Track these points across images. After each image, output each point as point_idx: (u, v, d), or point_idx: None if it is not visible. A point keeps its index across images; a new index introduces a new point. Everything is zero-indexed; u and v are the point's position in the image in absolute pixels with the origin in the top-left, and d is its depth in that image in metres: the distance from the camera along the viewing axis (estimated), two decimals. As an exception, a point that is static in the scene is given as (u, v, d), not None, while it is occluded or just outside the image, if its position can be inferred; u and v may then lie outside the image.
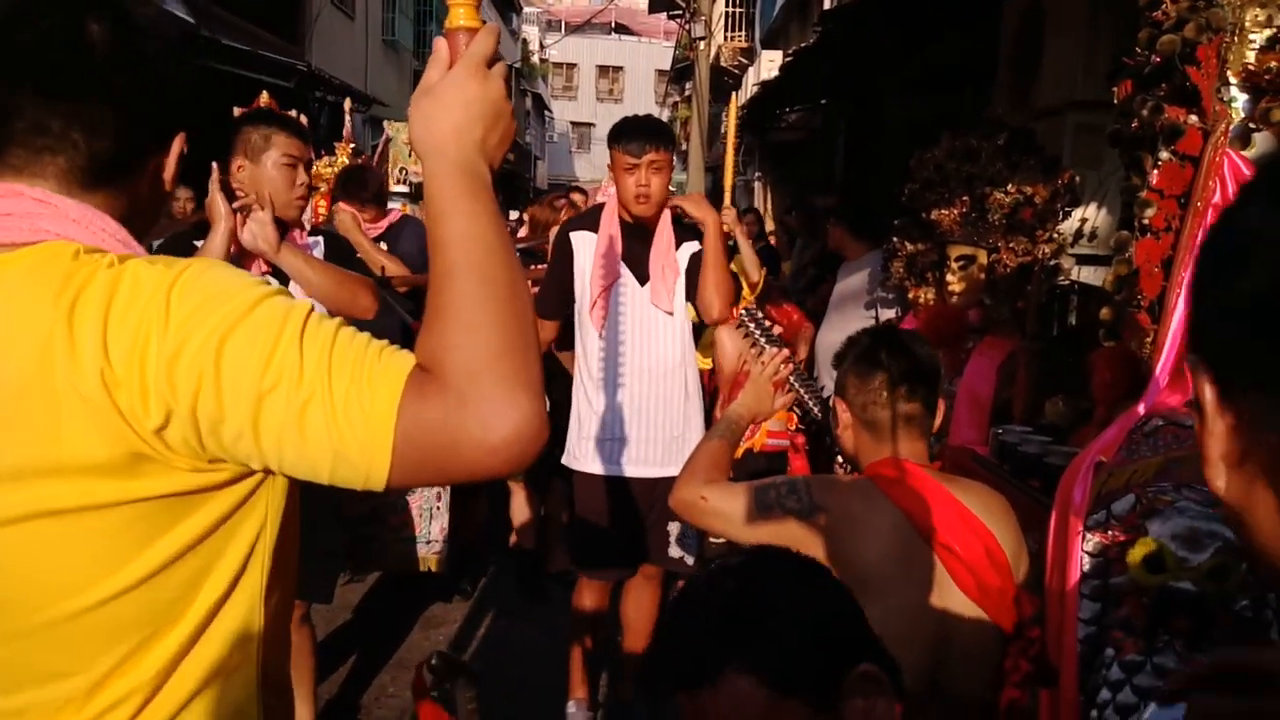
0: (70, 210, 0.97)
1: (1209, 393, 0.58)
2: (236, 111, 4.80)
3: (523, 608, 4.45)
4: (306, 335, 0.89)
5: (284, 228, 2.67)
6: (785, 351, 2.14)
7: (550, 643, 4.12)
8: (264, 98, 5.02)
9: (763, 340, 2.22)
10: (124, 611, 0.93)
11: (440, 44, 1.01)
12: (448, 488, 3.86)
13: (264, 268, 2.71)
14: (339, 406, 0.86)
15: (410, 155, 5.80)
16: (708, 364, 5.28)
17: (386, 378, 0.88)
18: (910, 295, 3.58)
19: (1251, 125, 1.75)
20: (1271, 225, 0.53)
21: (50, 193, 0.97)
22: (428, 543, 3.85)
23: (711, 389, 4.55)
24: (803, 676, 0.97)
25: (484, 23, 1.01)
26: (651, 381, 3.15)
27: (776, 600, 1.01)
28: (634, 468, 3.14)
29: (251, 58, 10.57)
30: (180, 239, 2.78)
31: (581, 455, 3.18)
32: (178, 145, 1.08)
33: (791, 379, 2.21)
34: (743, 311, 2.28)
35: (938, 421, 1.88)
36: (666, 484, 3.07)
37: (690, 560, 3.26)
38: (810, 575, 1.06)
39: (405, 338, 4.16)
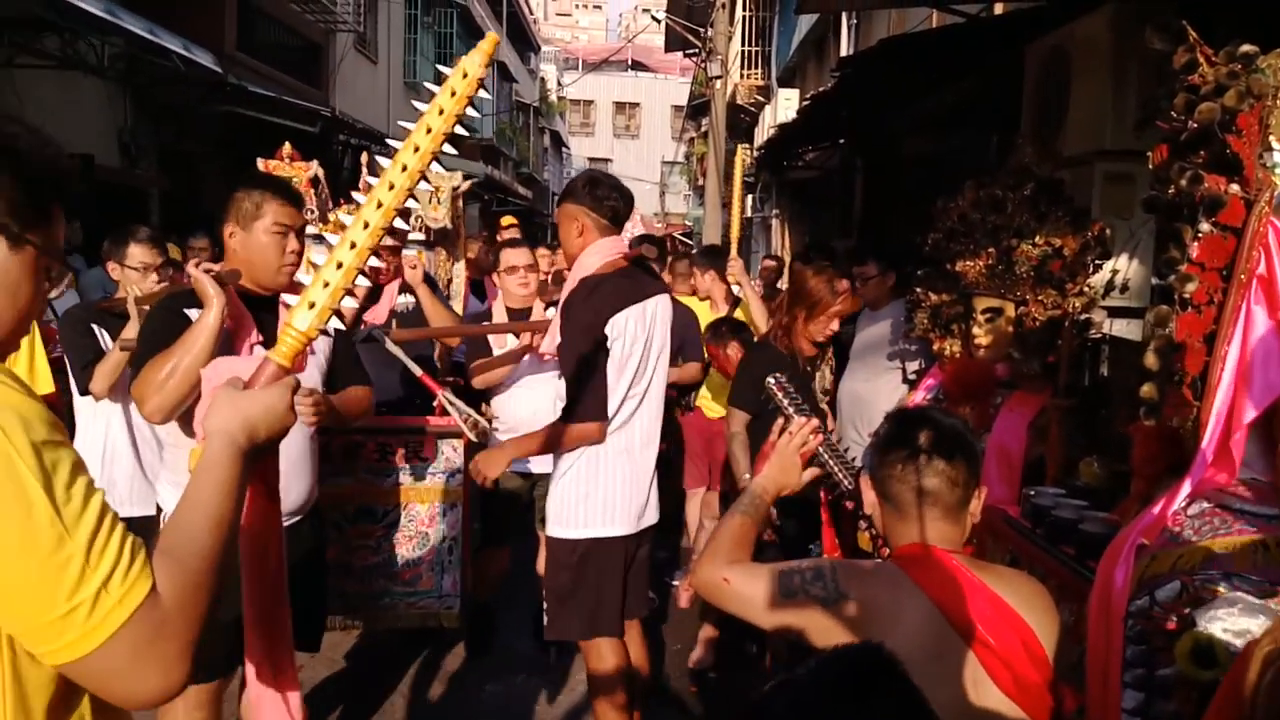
0: None
1: None
2: (261, 164, 4.84)
3: (541, 661, 4.37)
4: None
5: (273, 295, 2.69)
6: (814, 421, 2.06)
7: (571, 698, 4.06)
8: (286, 149, 5.04)
9: (790, 409, 2.14)
10: None
11: (263, 364, 1.38)
12: (459, 541, 3.81)
13: (254, 342, 2.69)
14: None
15: (430, 202, 5.78)
16: (716, 413, 5.23)
17: (130, 591, 1.05)
18: (935, 347, 3.51)
19: (1296, 192, 1.69)
20: None
21: None
22: (440, 597, 3.81)
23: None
24: None
25: (292, 367, 1.40)
26: (652, 442, 3.22)
27: None
28: (630, 524, 3.13)
29: (277, 104, 10.70)
30: (176, 300, 2.76)
31: (602, 521, 3.10)
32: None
33: (820, 450, 2.13)
34: (770, 380, 2.21)
35: (976, 506, 1.77)
36: (647, 534, 3.20)
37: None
38: (867, 697, 0.99)
39: (407, 387, 4.13)
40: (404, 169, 1.36)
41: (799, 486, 2.01)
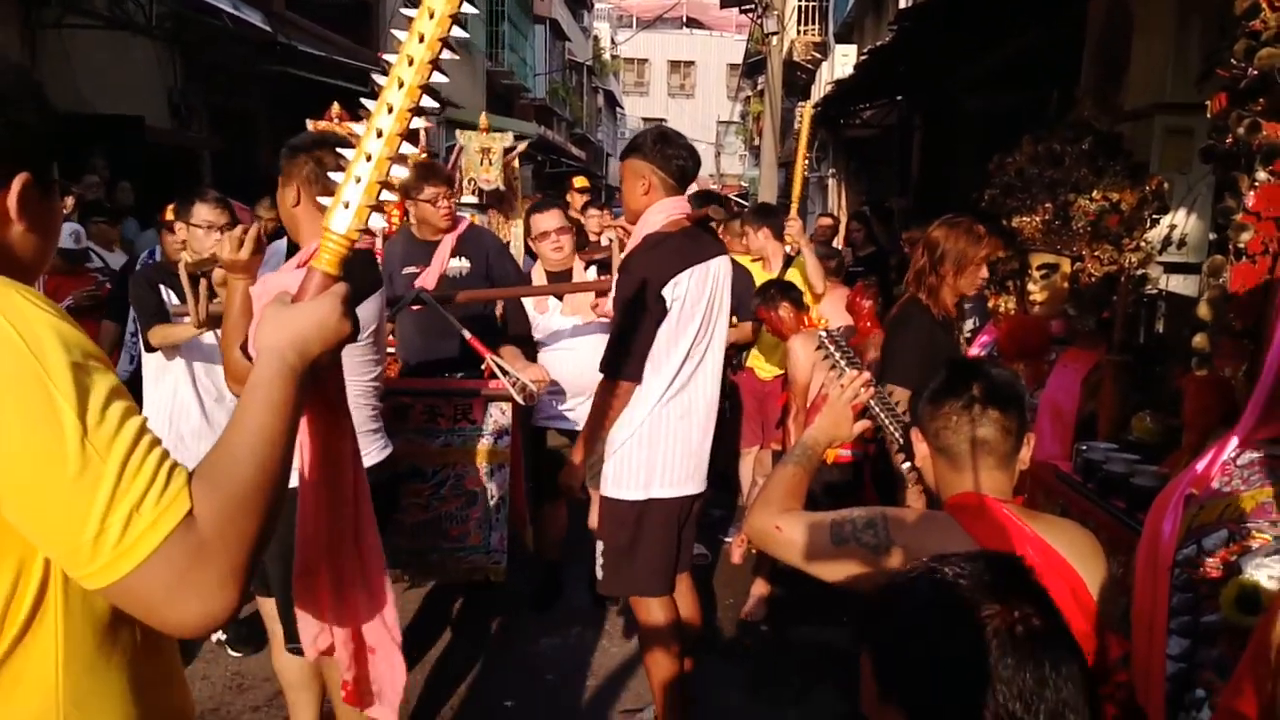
0: None
1: None
2: (310, 124, 4.90)
3: (596, 616, 4.46)
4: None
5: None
6: (866, 374, 2.09)
7: (626, 654, 4.14)
8: (335, 109, 5.11)
9: (842, 362, 2.16)
10: None
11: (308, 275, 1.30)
12: (507, 500, 3.88)
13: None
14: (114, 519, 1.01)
15: (481, 164, 5.83)
16: (769, 373, 5.24)
17: (165, 514, 1.03)
18: (990, 304, 3.50)
19: (1356, 140, 1.67)
20: None
21: None
22: (487, 552, 3.89)
23: (785, 400, 4.51)
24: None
25: (342, 276, 1.32)
26: (713, 405, 3.22)
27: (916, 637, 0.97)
28: (687, 487, 3.18)
29: (326, 63, 10.74)
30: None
31: (663, 482, 3.13)
32: (18, 184, 1.15)
33: (871, 403, 2.15)
34: (821, 333, 2.23)
35: (1025, 454, 1.79)
36: (700, 494, 3.23)
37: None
38: (1006, 593, 1.00)
39: (463, 352, 4.19)
40: (421, 39, 1.26)
41: (851, 438, 2.05)
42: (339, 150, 1.38)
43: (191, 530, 1.03)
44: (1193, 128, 3.55)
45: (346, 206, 1.29)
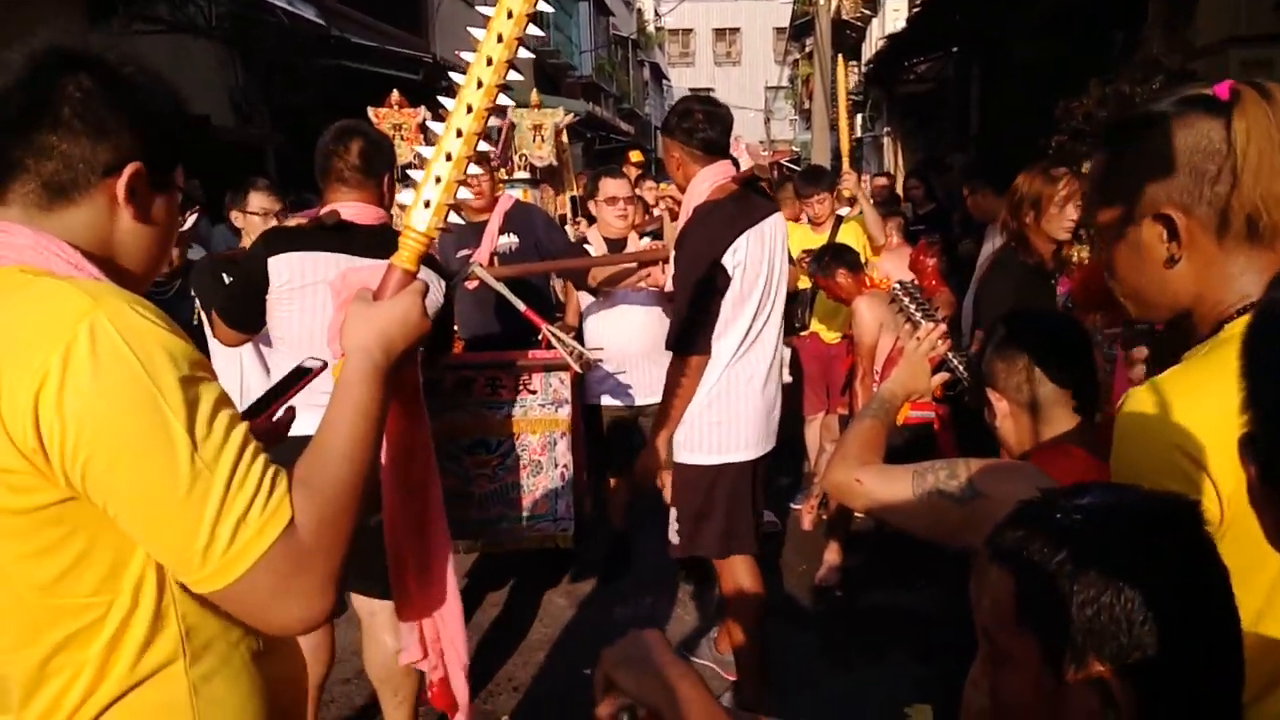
0: (25, 236, 1.13)
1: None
2: (371, 112, 4.94)
3: (667, 584, 4.46)
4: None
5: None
6: (942, 327, 2.04)
7: (698, 621, 4.14)
8: (395, 96, 5.14)
9: (918, 315, 2.12)
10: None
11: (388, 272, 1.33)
12: (571, 467, 3.90)
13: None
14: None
15: (534, 140, 5.83)
16: (833, 337, 5.17)
17: (269, 523, 1.08)
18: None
19: None
20: None
21: (12, 222, 1.14)
22: (555, 520, 3.91)
23: (850, 364, 4.45)
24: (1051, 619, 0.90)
25: (419, 269, 1.35)
26: (777, 362, 3.23)
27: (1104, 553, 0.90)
28: (757, 448, 3.18)
29: (379, 53, 10.84)
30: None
31: (736, 445, 3.13)
32: (129, 170, 1.17)
33: (950, 356, 2.10)
34: (896, 284, 2.19)
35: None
36: (768, 455, 3.23)
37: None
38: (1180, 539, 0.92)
39: (505, 324, 4.19)
40: (500, 38, 1.28)
41: (928, 391, 2.01)
42: (418, 150, 1.40)
43: (293, 538, 1.08)
44: (1271, 59, 3.40)
45: (427, 205, 1.32)
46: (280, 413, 1.60)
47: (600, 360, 3.85)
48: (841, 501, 1.84)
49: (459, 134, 1.30)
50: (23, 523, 1.06)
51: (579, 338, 4.17)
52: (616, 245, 4.27)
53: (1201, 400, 1.15)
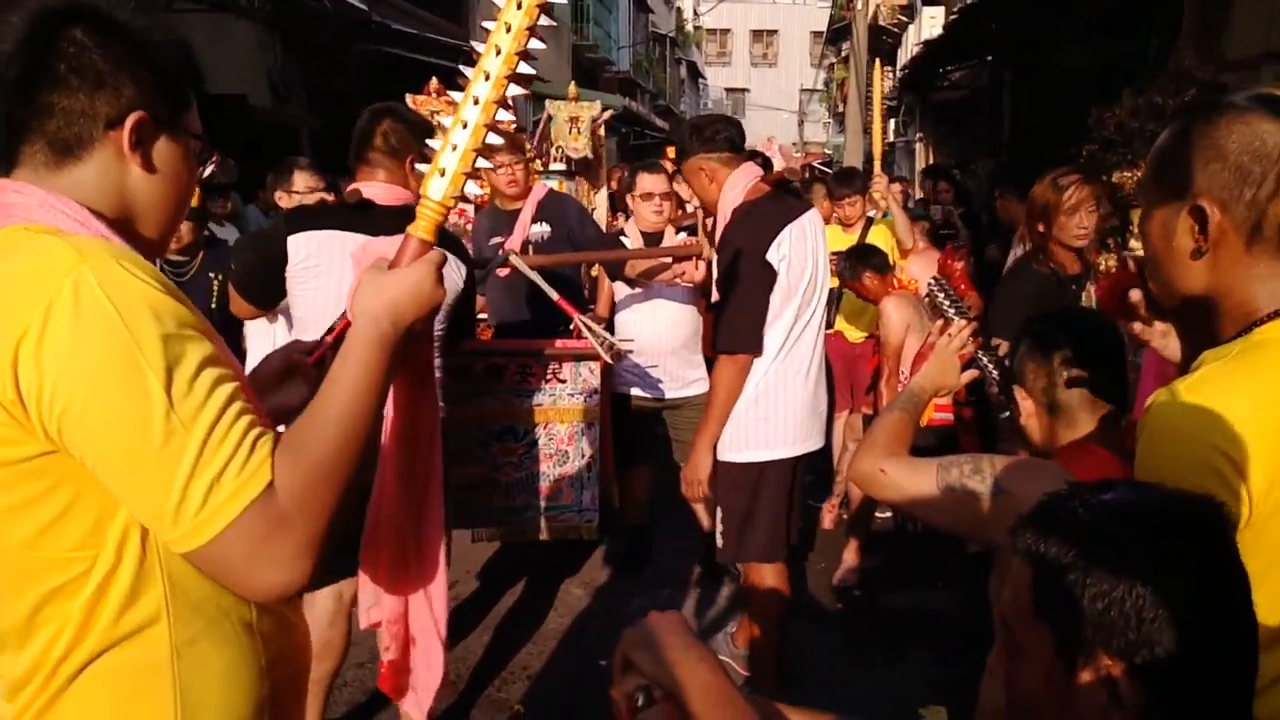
0: (35, 195, 1.12)
1: None
2: (409, 99, 5.00)
3: (686, 578, 4.50)
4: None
5: None
6: (974, 324, 2.07)
7: (717, 615, 4.18)
8: (434, 84, 5.20)
9: (951, 311, 2.14)
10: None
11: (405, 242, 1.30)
12: (598, 459, 3.93)
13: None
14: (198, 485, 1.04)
15: (570, 132, 5.87)
16: (858, 336, 5.19)
17: (245, 486, 1.05)
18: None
19: None
20: None
21: (24, 182, 1.14)
22: (579, 511, 3.93)
23: (875, 364, 4.47)
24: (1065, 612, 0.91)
25: (436, 241, 1.32)
26: (821, 357, 3.24)
27: (1117, 551, 0.91)
28: (802, 444, 3.17)
29: (420, 41, 10.90)
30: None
31: (783, 441, 3.13)
32: (131, 120, 1.16)
33: (979, 354, 2.13)
34: (931, 280, 2.22)
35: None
36: (808, 455, 3.22)
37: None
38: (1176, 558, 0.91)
39: (535, 314, 4.22)
40: (519, 5, 1.26)
41: (956, 387, 2.03)
42: (438, 118, 1.38)
43: (271, 502, 1.06)
44: (1305, 74, 3.39)
45: (443, 174, 1.29)
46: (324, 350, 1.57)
47: (630, 351, 3.89)
48: (866, 491, 1.87)
49: (476, 102, 1.28)
50: (5, 475, 1.05)
51: (610, 328, 4.21)
52: (653, 239, 4.31)
53: (1238, 401, 1.15)
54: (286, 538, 1.06)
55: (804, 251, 3.05)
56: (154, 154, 1.20)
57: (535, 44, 1.28)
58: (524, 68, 1.30)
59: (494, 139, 1.32)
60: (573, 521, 3.94)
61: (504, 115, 1.32)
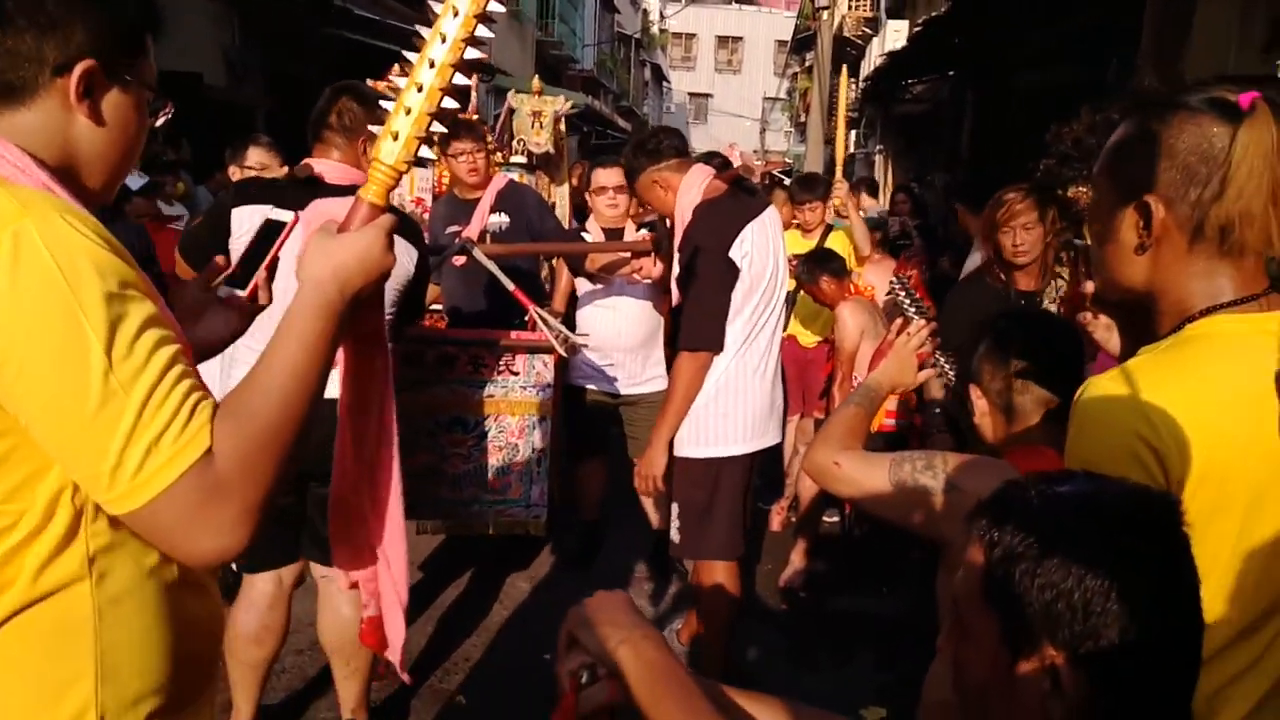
0: None
1: None
2: (370, 83, 4.93)
3: (635, 577, 4.49)
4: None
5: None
6: (933, 325, 2.08)
7: (662, 612, 4.17)
8: (395, 70, 5.13)
9: (911, 310, 2.16)
10: None
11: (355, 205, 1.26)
12: (548, 452, 3.90)
13: None
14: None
15: (533, 126, 5.83)
16: (811, 341, 5.22)
17: (182, 451, 1.03)
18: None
19: None
20: None
21: None
22: (527, 506, 3.90)
23: (829, 369, 4.50)
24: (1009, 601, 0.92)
25: (389, 206, 1.28)
26: (777, 355, 3.26)
27: (1071, 540, 0.90)
28: (759, 440, 3.19)
29: (382, 27, 10.78)
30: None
31: (740, 437, 3.13)
32: (80, 68, 1.11)
33: (937, 355, 2.14)
34: (893, 280, 2.24)
35: None
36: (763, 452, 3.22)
37: None
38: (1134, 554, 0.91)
39: (492, 304, 4.20)
40: None
41: (913, 385, 2.03)
42: (391, 79, 1.34)
43: (208, 468, 1.04)
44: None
45: (395, 138, 1.26)
46: (260, 275, 1.53)
47: (586, 345, 3.87)
48: (819, 483, 1.88)
49: (431, 65, 1.24)
50: None
51: (569, 323, 4.20)
52: (614, 236, 4.30)
53: (1164, 392, 1.17)
54: (225, 504, 1.04)
55: (765, 249, 3.06)
56: (103, 105, 1.16)
57: (495, 6, 1.25)
58: (483, 31, 1.26)
59: (449, 104, 1.27)
60: (520, 517, 3.90)
61: (462, 80, 1.29)
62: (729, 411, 3.08)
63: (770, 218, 3.15)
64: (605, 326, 4.18)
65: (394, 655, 2.05)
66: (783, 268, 3.19)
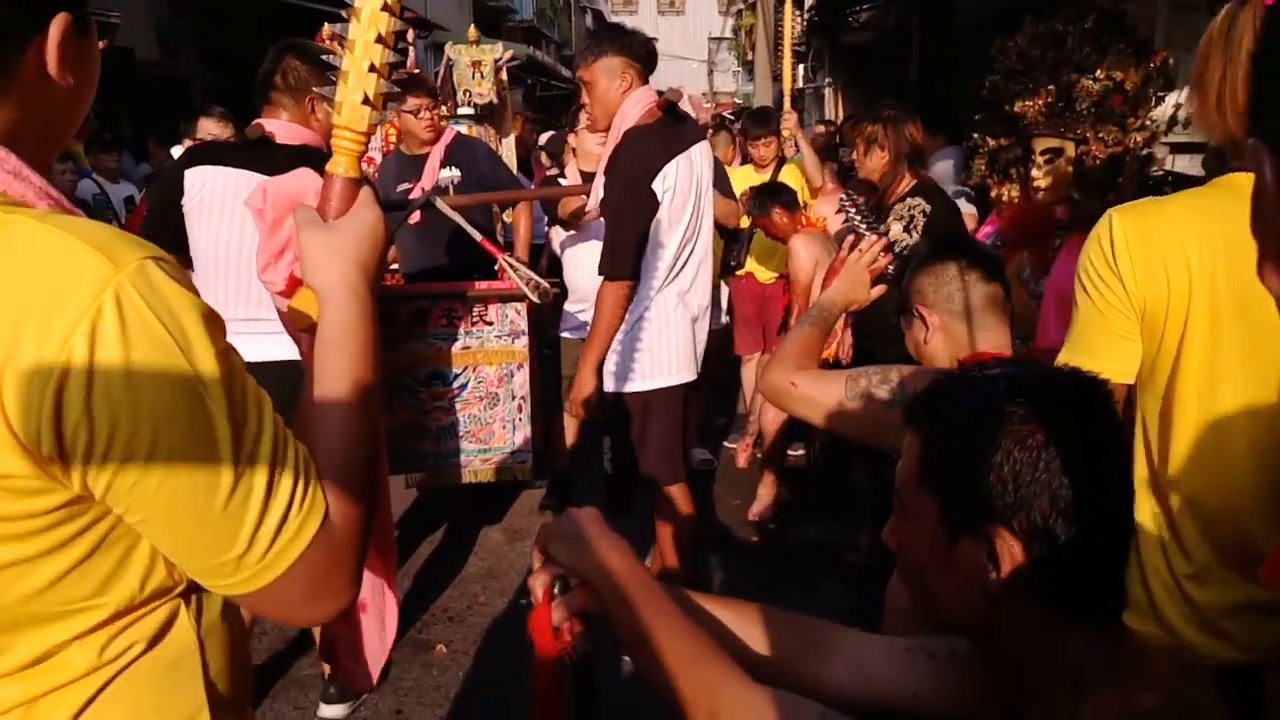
0: None
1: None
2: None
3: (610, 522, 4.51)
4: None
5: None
6: (885, 240, 2.07)
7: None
8: (326, 30, 5.01)
9: (862, 226, 2.15)
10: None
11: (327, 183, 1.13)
12: (529, 400, 3.90)
13: None
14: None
15: (474, 77, 5.75)
16: (769, 277, 5.21)
17: (307, 520, 0.92)
18: (993, 194, 3.45)
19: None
20: None
21: None
22: (513, 452, 3.91)
23: (785, 303, 4.50)
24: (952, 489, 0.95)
25: (363, 175, 1.15)
26: (706, 289, 3.29)
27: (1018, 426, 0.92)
28: (688, 371, 3.23)
29: (310, -10, 10.52)
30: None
31: (665, 370, 3.16)
32: (57, 27, 0.90)
33: (889, 269, 2.14)
34: (843, 197, 2.23)
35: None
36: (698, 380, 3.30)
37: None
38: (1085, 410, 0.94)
39: (455, 259, 4.17)
40: None
41: (866, 301, 2.03)
42: (336, 30, 1.22)
43: (331, 533, 0.93)
44: (1199, 2, 3.47)
45: (367, 102, 1.13)
46: None
47: (556, 291, 3.85)
48: (776, 404, 1.89)
49: (385, 7, 1.11)
50: (19, 529, 0.84)
51: (557, 273, 4.18)
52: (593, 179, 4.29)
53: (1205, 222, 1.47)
54: (345, 565, 0.96)
55: (689, 183, 3.06)
56: (73, 59, 0.94)
57: (448, 12, 1.18)
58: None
59: (393, 57, 1.16)
60: (506, 463, 3.91)
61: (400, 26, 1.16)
62: (653, 346, 3.11)
63: (701, 151, 3.15)
64: (583, 272, 4.16)
65: (373, 669, 2.02)
66: (706, 204, 3.19)
